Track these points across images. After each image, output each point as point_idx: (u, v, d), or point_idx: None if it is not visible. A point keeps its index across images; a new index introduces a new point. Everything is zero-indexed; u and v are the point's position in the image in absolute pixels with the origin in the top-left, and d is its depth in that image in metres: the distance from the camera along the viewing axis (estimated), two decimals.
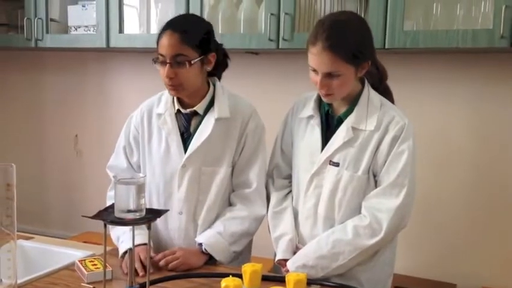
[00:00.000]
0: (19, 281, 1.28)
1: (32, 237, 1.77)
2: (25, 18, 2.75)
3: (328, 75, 1.41)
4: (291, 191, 1.65)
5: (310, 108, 1.56)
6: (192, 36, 1.54)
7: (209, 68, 1.61)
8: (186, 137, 1.64)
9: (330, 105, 1.54)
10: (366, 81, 1.53)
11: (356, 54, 1.41)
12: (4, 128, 3.33)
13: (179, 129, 1.64)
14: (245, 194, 1.65)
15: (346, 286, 1.40)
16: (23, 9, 2.77)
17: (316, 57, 1.41)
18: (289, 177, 1.66)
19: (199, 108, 1.63)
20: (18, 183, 1.19)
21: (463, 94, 2.26)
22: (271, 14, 2.22)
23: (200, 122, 1.63)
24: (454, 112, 2.28)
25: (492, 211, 2.26)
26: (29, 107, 3.26)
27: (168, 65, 1.52)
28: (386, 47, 2.04)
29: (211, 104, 1.64)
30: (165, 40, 1.53)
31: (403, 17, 2.03)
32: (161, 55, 1.54)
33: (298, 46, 2.19)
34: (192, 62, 1.53)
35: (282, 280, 1.33)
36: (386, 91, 1.59)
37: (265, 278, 1.35)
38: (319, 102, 1.57)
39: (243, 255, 1.72)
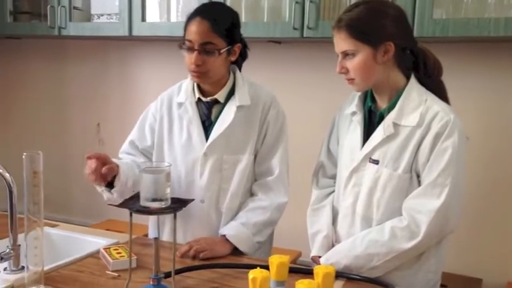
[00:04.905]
0: (45, 268, 1.28)
1: (57, 225, 1.78)
2: (48, 6, 2.75)
3: (345, 56, 1.40)
4: (334, 191, 1.61)
5: (354, 105, 1.51)
6: (222, 25, 1.52)
7: (233, 59, 1.60)
8: (207, 125, 1.63)
9: (373, 101, 1.49)
10: (412, 76, 1.45)
11: (367, 31, 1.36)
12: (27, 116, 3.36)
13: (200, 117, 1.63)
14: (266, 182, 1.64)
15: (372, 280, 1.37)
16: None
17: (334, 38, 1.42)
18: (334, 177, 1.61)
19: (220, 96, 1.62)
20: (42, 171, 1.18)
21: (495, 84, 2.20)
22: (296, 2, 2.18)
23: (221, 111, 1.62)
24: (486, 104, 2.22)
25: None
26: (51, 95, 3.27)
27: (196, 52, 1.51)
28: (415, 35, 1.96)
29: (231, 92, 1.63)
30: (194, 27, 1.51)
31: (432, 4, 1.98)
32: (189, 41, 1.52)
33: (323, 35, 2.16)
34: (221, 52, 1.52)
35: (309, 272, 1.31)
36: (438, 88, 1.47)
37: (292, 270, 1.33)
38: (364, 98, 1.51)
39: (265, 245, 1.70)
